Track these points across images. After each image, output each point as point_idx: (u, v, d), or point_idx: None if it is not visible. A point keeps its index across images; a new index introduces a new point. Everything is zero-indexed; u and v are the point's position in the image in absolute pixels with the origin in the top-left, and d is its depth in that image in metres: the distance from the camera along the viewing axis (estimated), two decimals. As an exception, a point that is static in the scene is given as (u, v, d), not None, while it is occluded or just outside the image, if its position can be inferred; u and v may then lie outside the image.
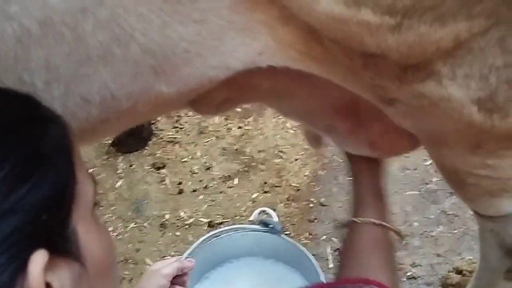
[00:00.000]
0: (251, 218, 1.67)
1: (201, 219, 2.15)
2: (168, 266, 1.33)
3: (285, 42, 0.78)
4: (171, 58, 0.73)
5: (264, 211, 1.66)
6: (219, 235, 1.61)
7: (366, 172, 1.14)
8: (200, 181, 2.32)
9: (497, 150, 0.91)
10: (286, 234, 1.71)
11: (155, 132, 2.53)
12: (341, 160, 2.32)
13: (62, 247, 0.56)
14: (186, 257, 1.48)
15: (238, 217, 2.13)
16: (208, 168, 2.37)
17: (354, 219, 1.04)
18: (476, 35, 0.71)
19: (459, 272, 1.84)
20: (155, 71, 0.72)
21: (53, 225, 0.55)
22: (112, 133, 1.00)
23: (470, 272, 1.77)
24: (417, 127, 0.89)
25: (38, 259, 0.52)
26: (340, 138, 1.10)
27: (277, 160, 2.37)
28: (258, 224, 1.61)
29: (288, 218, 2.11)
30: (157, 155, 2.43)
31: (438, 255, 1.97)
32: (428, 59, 0.72)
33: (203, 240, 1.59)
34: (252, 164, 2.37)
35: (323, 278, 1.49)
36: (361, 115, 1.03)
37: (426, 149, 0.99)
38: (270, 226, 1.57)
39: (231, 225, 1.88)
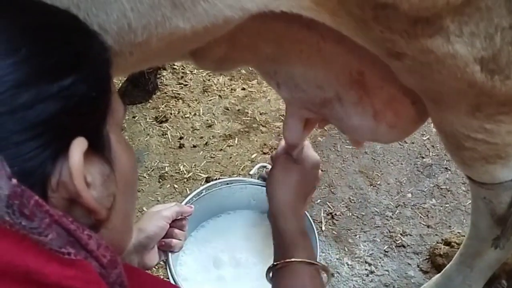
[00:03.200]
0: (251, 172, 1.69)
1: (200, 174, 2.19)
2: (168, 209, 1.36)
3: (301, -11, 0.80)
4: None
5: (264, 166, 1.68)
6: (218, 187, 1.64)
7: (289, 214, 1.15)
8: (201, 137, 2.35)
9: (496, 115, 0.93)
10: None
11: (160, 86, 2.55)
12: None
13: (97, 144, 0.61)
14: (185, 204, 1.51)
15: (236, 175, 2.17)
16: (210, 126, 2.40)
17: (288, 260, 1.04)
18: (483, -6, 0.73)
19: (447, 243, 1.88)
20: (173, 3, 0.74)
21: (91, 121, 0.61)
22: (122, 71, 1.02)
23: (459, 244, 1.80)
24: (421, 85, 0.92)
25: (79, 144, 0.56)
26: (343, 111, 1.09)
27: (278, 123, 2.40)
28: (258, 179, 1.63)
29: (284, 180, 2.14)
30: (160, 109, 2.46)
31: (429, 227, 2.01)
32: (438, 14, 0.74)
33: (202, 190, 1.62)
34: (253, 125, 2.40)
35: (317, 237, 1.53)
36: (366, 84, 1.04)
37: (428, 110, 1.02)
38: (268, 181, 1.60)
39: (229, 180, 1.90)
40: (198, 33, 0.80)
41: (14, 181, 0.51)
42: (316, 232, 1.54)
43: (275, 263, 1.08)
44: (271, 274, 1.10)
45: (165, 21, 0.76)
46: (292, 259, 1.04)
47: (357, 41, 0.87)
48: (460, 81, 0.83)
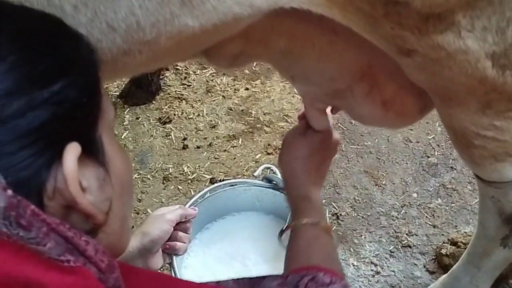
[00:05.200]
0: (255, 174, 1.68)
1: (204, 175, 2.18)
2: (172, 212, 1.36)
3: (310, -15, 0.79)
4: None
5: (268, 167, 1.68)
6: (222, 188, 1.63)
7: (292, 183, 1.17)
8: (205, 138, 2.34)
9: (506, 112, 0.93)
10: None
11: (163, 87, 2.54)
12: (345, 128, 2.34)
13: (91, 148, 0.60)
14: (189, 207, 1.50)
15: (240, 176, 2.16)
16: (213, 127, 2.39)
17: (291, 223, 1.09)
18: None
19: (454, 243, 1.87)
20: (182, 0, 0.73)
21: (84, 126, 0.60)
22: (131, 70, 1.01)
23: (465, 244, 1.79)
24: (431, 82, 0.91)
25: (73, 149, 0.56)
26: (354, 101, 1.10)
27: (281, 123, 2.39)
28: (262, 180, 1.62)
29: (289, 181, 2.13)
30: (164, 110, 2.45)
31: (435, 227, 2.00)
32: (450, 9, 0.73)
33: (206, 192, 1.61)
34: (257, 125, 2.39)
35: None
36: (375, 76, 1.04)
37: (436, 108, 1.01)
38: (273, 182, 1.59)
39: (233, 181, 1.90)
40: (207, 32, 0.80)
41: (10, 192, 0.51)
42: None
43: (281, 229, 1.15)
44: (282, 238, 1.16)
45: (174, 18, 0.75)
46: (294, 223, 1.08)
47: (367, 38, 0.86)
48: (470, 78, 0.83)
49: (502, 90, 0.85)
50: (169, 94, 2.52)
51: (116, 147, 0.66)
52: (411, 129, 2.34)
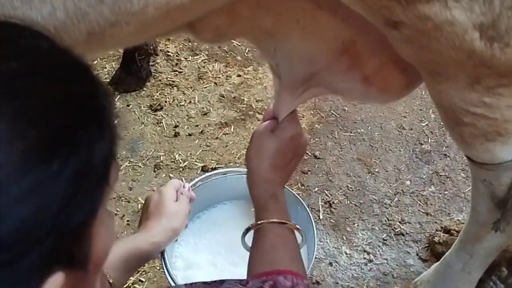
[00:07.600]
0: (246, 162, 1.67)
1: (195, 162, 2.16)
2: (186, 205, 1.42)
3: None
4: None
5: (260, 155, 1.66)
6: (213, 177, 1.62)
7: (259, 181, 1.14)
8: (196, 125, 2.32)
9: (495, 88, 0.91)
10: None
11: (154, 74, 2.51)
12: (338, 115, 2.32)
13: (76, 267, 0.53)
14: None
15: (232, 164, 2.15)
16: (205, 114, 2.36)
17: (257, 222, 1.06)
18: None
19: (447, 231, 1.86)
20: (169, -32, 0.72)
21: (74, 249, 0.52)
22: (118, 43, 0.99)
23: (458, 232, 1.78)
24: (419, 56, 0.89)
25: (55, 281, 0.49)
26: (333, 77, 1.10)
27: (274, 111, 2.36)
28: (253, 168, 1.61)
29: (281, 168, 2.11)
30: (155, 97, 2.42)
31: (428, 214, 1.99)
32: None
33: (197, 181, 1.60)
34: (250, 112, 2.37)
35: (314, 227, 1.51)
36: (357, 52, 1.03)
37: (426, 84, 1.00)
38: (265, 170, 1.57)
39: (224, 170, 1.88)
40: (196, 2, 0.78)
41: None
42: (313, 222, 1.52)
43: (246, 228, 1.10)
44: (245, 240, 1.12)
45: None
46: (261, 221, 1.05)
47: (355, 9, 0.85)
48: (458, 50, 0.82)
49: (490, 64, 0.84)
50: (160, 81, 2.49)
51: (103, 229, 0.56)
52: (404, 116, 2.33)
